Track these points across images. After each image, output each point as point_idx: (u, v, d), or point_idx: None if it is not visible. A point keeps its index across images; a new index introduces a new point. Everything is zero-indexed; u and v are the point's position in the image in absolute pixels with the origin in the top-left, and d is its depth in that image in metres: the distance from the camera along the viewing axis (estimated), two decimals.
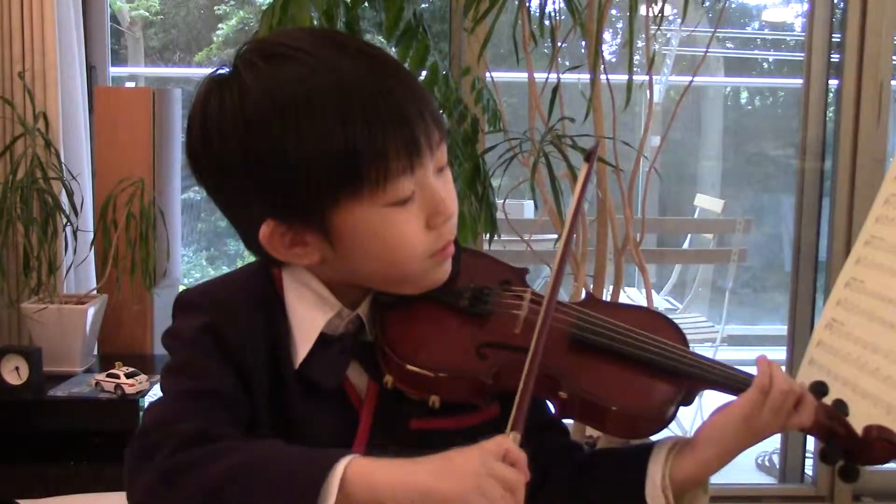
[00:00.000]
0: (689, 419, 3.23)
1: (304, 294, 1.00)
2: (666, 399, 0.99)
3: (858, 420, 1.03)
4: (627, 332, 1.02)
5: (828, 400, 1.04)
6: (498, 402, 0.99)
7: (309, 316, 0.99)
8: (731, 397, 1.02)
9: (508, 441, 0.85)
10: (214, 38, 5.48)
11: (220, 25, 5.50)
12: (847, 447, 1.02)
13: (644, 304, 2.36)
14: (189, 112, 0.98)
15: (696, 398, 1.04)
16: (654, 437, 1.03)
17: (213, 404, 0.91)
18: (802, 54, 3.15)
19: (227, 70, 0.95)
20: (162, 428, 0.89)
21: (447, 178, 0.99)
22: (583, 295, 1.91)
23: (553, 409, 0.99)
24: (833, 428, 1.01)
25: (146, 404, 2.52)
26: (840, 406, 1.03)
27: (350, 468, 0.82)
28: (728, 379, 1.02)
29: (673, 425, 1.02)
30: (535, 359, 0.93)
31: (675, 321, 1.11)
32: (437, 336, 1.00)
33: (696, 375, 1.01)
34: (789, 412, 0.99)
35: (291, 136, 0.90)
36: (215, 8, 5.52)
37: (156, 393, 2.62)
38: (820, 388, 1.03)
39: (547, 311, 0.97)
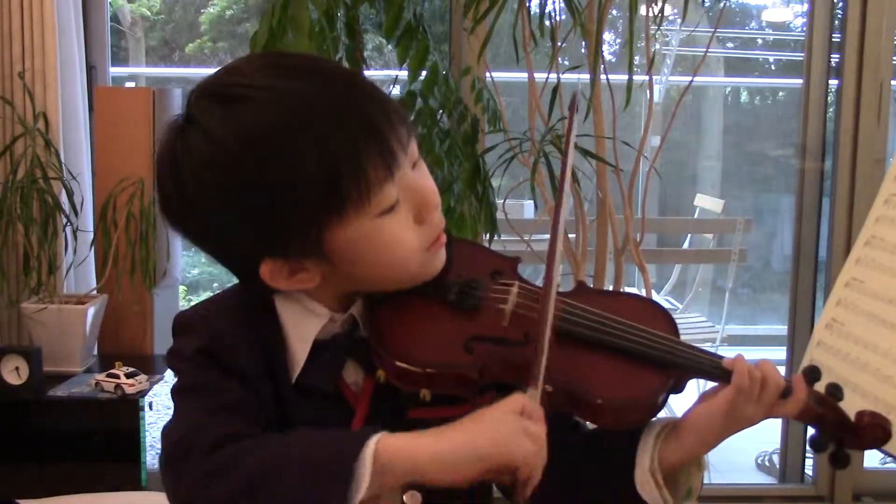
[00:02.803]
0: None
1: (294, 308, 1.01)
2: (653, 390, 0.99)
3: None
4: (614, 323, 1.02)
5: (820, 385, 1.03)
6: (493, 390, 0.98)
7: (301, 328, 1.00)
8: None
9: (524, 398, 0.89)
10: (201, 28, 5.47)
11: (202, 16, 5.50)
12: (838, 433, 1.01)
13: None
14: (157, 169, 0.96)
15: (686, 386, 1.04)
16: None
17: (230, 415, 0.92)
18: (802, 54, 3.15)
19: (181, 119, 0.94)
20: (191, 434, 0.90)
21: (422, 168, 0.99)
22: None
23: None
24: (823, 414, 1.01)
25: (146, 405, 2.52)
26: (834, 390, 1.02)
27: (381, 446, 0.84)
28: (717, 368, 1.01)
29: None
30: (546, 313, 0.95)
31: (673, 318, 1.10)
32: (426, 331, 1.01)
33: (685, 365, 1.01)
34: (775, 402, 0.99)
35: (267, 174, 0.89)
36: (210, 4, 5.53)
37: (156, 393, 2.62)
38: (812, 374, 1.02)
39: (549, 277, 0.98)
